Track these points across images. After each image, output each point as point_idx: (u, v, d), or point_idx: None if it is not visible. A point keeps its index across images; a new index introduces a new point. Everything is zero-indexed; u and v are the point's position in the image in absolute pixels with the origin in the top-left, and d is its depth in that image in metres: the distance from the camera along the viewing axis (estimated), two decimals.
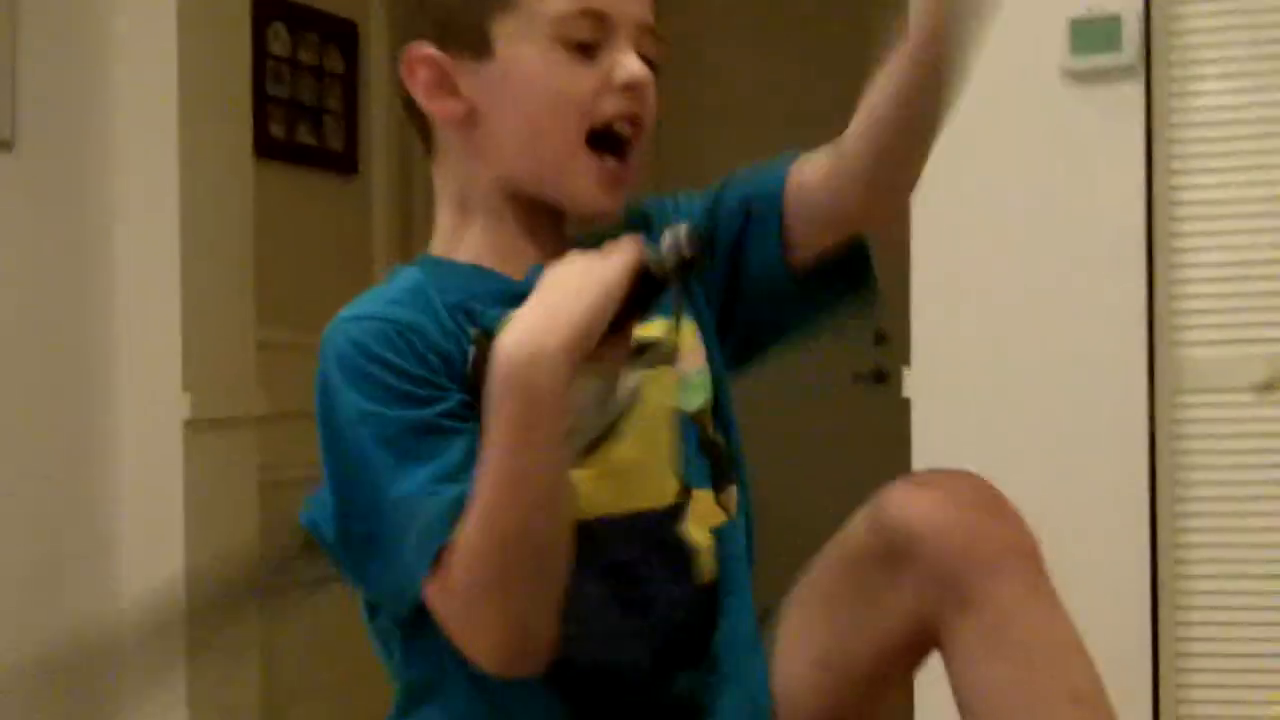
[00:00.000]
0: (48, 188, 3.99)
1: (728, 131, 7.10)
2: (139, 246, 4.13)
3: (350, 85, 5.31)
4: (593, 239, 1.51)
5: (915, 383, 3.41)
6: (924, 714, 3.20)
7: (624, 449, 1.51)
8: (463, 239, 1.60)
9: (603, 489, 1.50)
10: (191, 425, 4.07)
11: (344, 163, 5.28)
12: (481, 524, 1.38)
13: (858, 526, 1.63)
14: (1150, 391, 3.27)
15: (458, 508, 1.41)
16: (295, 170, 5.01)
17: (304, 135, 5.08)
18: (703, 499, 1.62)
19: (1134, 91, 3.31)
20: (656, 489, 1.56)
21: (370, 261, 5.32)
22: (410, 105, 1.57)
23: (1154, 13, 3.30)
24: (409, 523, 1.43)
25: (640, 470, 1.54)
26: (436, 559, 1.42)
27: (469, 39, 1.50)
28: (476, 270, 1.58)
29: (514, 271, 1.58)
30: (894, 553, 1.55)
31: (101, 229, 4.11)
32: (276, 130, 4.94)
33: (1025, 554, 1.64)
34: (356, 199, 5.33)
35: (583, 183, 1.53)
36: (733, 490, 1.68)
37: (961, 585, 1.52)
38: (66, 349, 4.03)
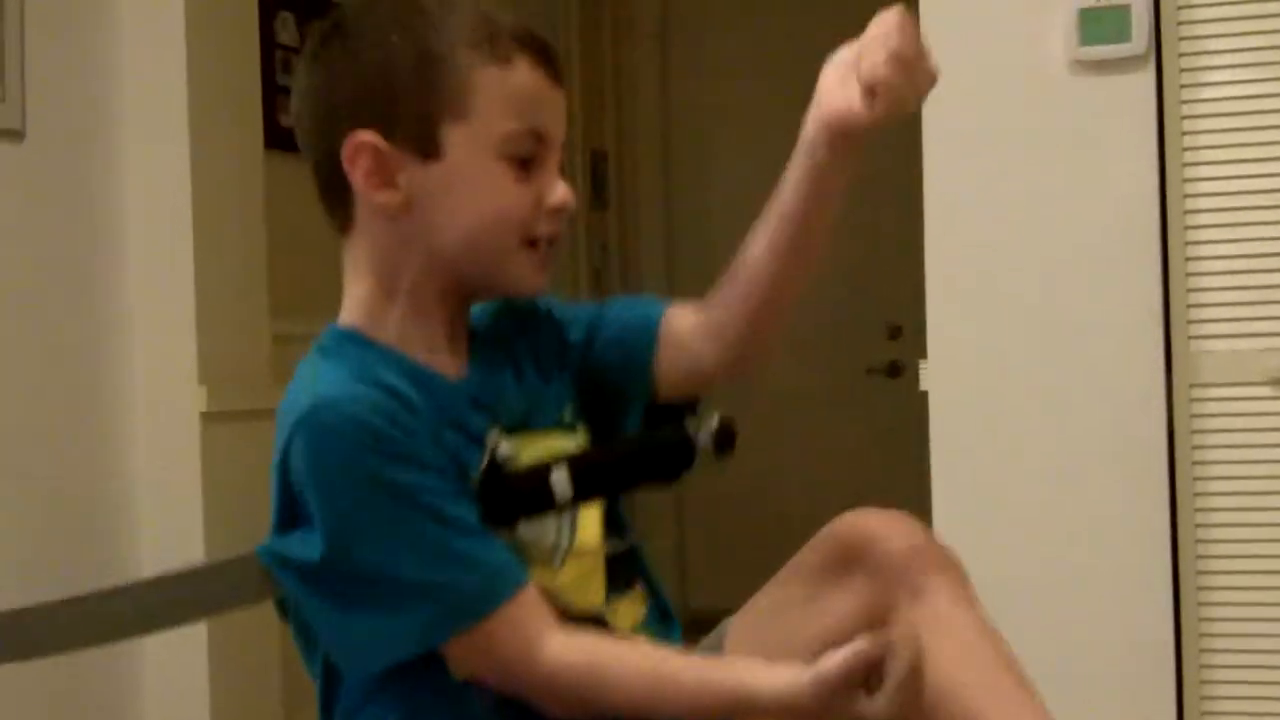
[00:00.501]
0: (59, 180, 3.99)
1: (732, 135, 7.11)
2: (151, 239, 4.13)
3: None
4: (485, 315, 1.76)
5: (932, 376, 3.41)
6: None
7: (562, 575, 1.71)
8: (385, 321, 1.70)
9: (552, 599, 1.68)
10: (208, 418, 4.08)
11: None
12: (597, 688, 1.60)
13: (805, 552, 1.81)
14: (1168, 385, 3.27)
15: (500, 581, 1.59)
16: (306, 161, 5.00)
17: None
18: (622, 601, 1.80)
19: (1144, 81, 3.31)
20: (587, 599, 1.74)
21: None
22: (327, 178, 1.67)
23: (1163, 2, 3.30)
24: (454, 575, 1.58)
25: (575, 587, 1.73)
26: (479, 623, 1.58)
27: (418, 138, 1.58)
28: (413, 368, 1.68)
29: (440, 363, 1.71)
30: (849, 555, 1.73)
31: (113, 221, 4.11)
32: (287, 121, 4.92)
33: (962, 572, 1.82)
34: None
35: (518, 274, 1.65)
36: (638, 583, 1.86)
37: (914, 578, 1.71)
38: (81, 343, 4.03)
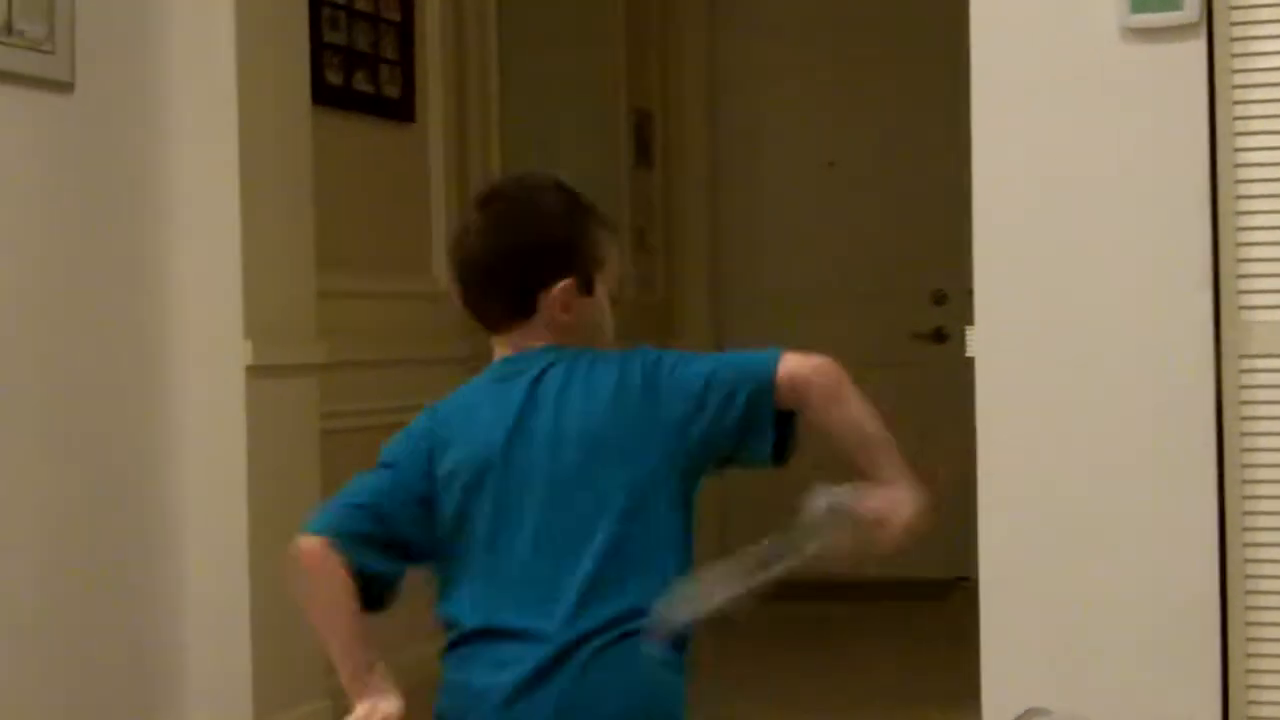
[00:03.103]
0: (106, 133, 4.01)
1: (778, 94, 7.09)
2: (198, 194, 4.15)
3: (407, 33, 5.31)
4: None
5: (979, 342, 3.40)
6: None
7: None
8: None
9: None
10: (253, 371, 4.10)
11: (401, 110, 5.29)
12: None
13: None
14: (1216, 353, 3.26)
15: None
16: (352, 118, 5.01)
17: (361, 83, 5.09)
18: None
19: (1195, 49, 3.29)
20: None
21: (427, 209, 5.32)
22: (519, 300, 2.41)
23: None
24: None
25: None
26: None
27: (583, 283, 2.42)
28: None
29: None
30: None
31: (161, 176, 4.13)
32: (333, 78, 4.94)
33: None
34: (413, 147, 5.34)
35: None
36: None
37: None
38: (128, 297, 4.05)
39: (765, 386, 2.34)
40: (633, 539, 2.27)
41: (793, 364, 2.37)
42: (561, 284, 2.42)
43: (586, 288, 2.45)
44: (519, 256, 2.44)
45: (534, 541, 2.25)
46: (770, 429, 2.35)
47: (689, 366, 2.36)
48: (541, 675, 2.19)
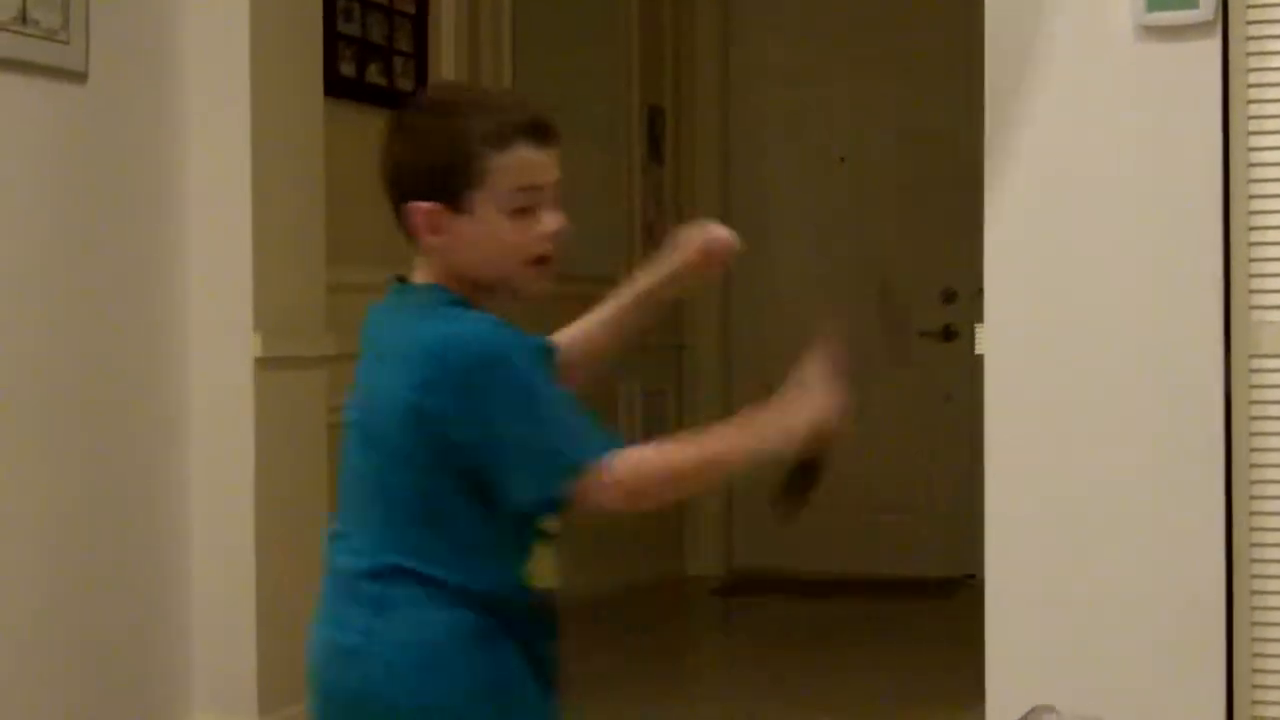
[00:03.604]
0: (119, 123, 4.01)
1: (789, 93, 7.09)
2: (210, 185, 4.15)
3: (420, 25, 5.32)
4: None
5: (989, 340, 3.40)
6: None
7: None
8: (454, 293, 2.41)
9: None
10: (262, 363, 4.10)
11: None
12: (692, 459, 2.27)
13: None
14: (1226, 354, 3.26)
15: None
16: (365, 110, 5.01)
17: (374, 75, 5.09)
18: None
19: (1210, 49, 3.29)
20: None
21: None
22: (398, 218, 2.36)
23: None
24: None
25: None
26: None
27: (453, 202, 2.34)
28: None
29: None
30: None
31: (173, 166, 4.13)
32: (347, 69, 4.95)
33: None
34: None
35: (523, 281, 2.37)
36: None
37: None
38: (138, 287, 4.05)
39: (549, 499, 2.22)
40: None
41: (593, 490, 2.19)
42: (423, 205, 2.35)
43: (457, 206, 2.35)
44: (381, 177, 2.40)
45: None
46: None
47: (471, 423, 2.19)
48: None
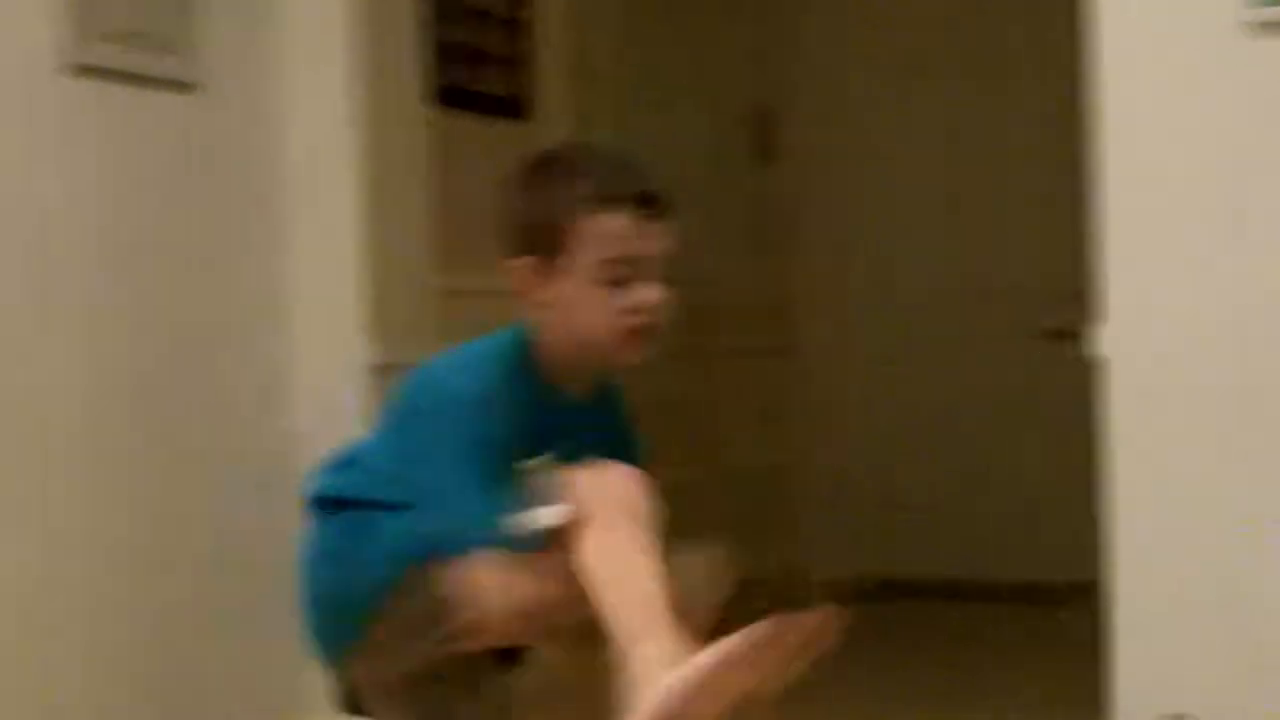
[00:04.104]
0: (232, 133, 4.04)
1: (900, 89, 7.04)
2: (319, 193, 4.17)
3: (526, 31, 5.31)
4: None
5: (1109, 340, 3.35)
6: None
7: None
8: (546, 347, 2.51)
9: None
10: (372, 370, 4.11)
11: (519, 109, 5.28)
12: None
13: None
14: None
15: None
16: (469, 116, 5.02)
17: (479, 82, 5.09)
18: None
19: None
20: None
21: None
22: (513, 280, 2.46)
23: None
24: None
25: None
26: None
27: (547, 263, 2.38)
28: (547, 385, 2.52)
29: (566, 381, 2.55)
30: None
31: (281, 174, 4.15)
32: (450, 76, 4.95)
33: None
34: (531, 145, 5.33)
35: (612, 350, 2.42)
36: None
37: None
38: (249, 296, 4.08)
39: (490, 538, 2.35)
40: None
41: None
42: (516, 261, 2.43)
43: (552, 267, 2.40)
44: (496, 229, 2.47)
45: None
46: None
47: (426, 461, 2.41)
48: None
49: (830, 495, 6.81)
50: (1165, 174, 3.34)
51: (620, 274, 2.37)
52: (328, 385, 4.13)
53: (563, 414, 2.53)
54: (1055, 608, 6.31)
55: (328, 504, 2.62)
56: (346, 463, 2.65)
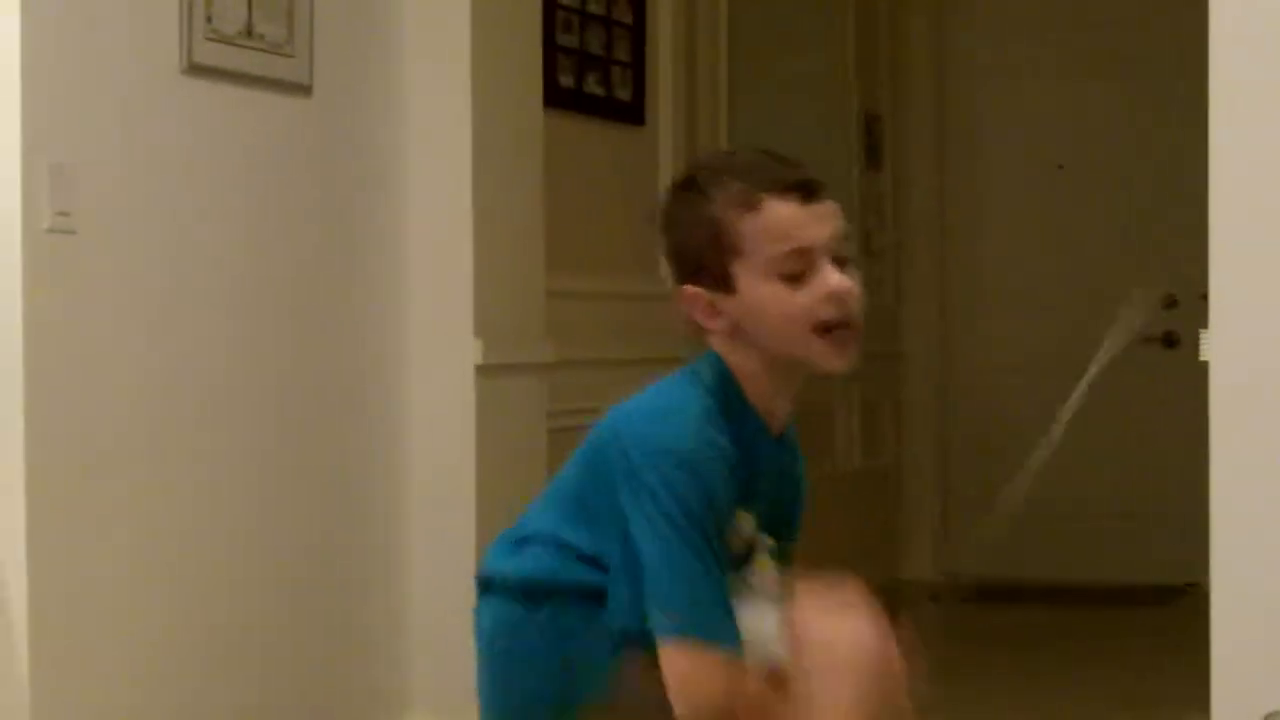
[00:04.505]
0: (343, 134, 4.09)
1: (1005, 96, 7.01)
2: (431, 194, 4.21)
3: (638, 36, 5.34)
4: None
5: (1215, 345, 3.33)
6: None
7: None
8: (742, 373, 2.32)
9: None
10: (483, 370, 4.15)
11: (632, 113, 5.32)
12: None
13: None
14: None
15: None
16: (584, 120, 5.05)
17: (592, 85, 5.12)
18: None
19: None
20: None
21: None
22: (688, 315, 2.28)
23: None
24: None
25: None
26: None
27: (719, 281, 2.23)
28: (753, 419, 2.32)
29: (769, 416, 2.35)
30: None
31: (395, 177, 4.20)
32: (566, 80, 4.99)
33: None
34: (644, 149, 5.36)
35: (819, 356, 2.24)
36: None
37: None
38: (363, 296, 4.13)
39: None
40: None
41: (672, 668, 2.16)
42: (682, 290, 2.27)
43: (723, 285, 2.23)
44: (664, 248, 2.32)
45: None
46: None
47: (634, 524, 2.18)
48: None
49: (931, 502, 6.81)
50: (1277, 180, 3.31)
51: (799, 267, 2.21)
52: (438, 385, 4.17)
53: (765, 457, 2.34)
54: (1158, 609, 6.29)
55: (513, 589, 2.36)
56: (526, 538, 2.40)
